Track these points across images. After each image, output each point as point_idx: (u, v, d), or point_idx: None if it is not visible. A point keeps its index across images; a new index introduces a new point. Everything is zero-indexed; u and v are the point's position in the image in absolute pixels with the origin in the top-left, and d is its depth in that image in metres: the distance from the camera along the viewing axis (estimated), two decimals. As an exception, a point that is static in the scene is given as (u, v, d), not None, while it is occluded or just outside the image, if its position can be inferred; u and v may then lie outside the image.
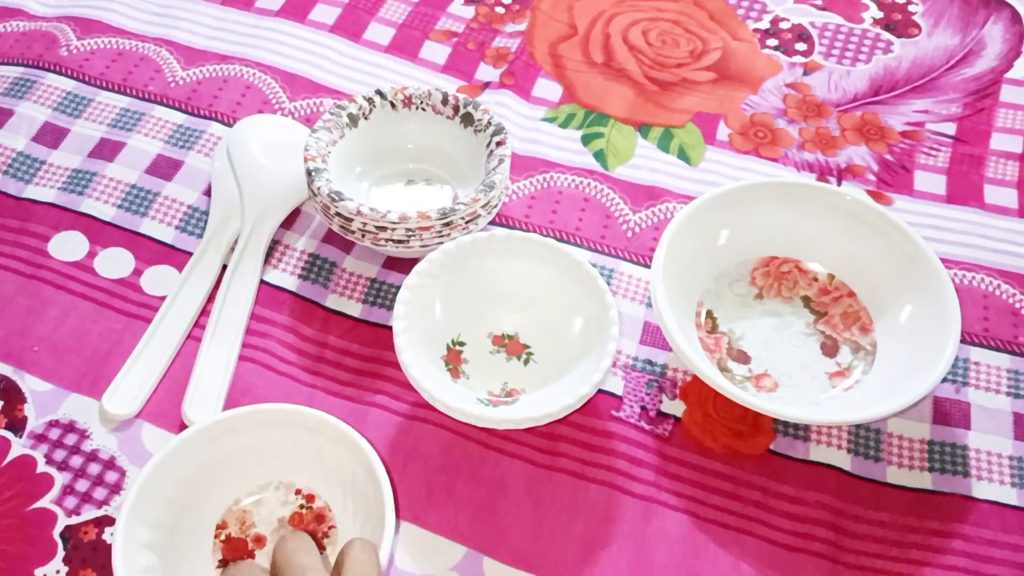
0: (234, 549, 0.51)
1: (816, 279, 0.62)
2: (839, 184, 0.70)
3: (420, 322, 0.57)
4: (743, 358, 0.59)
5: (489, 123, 0.64)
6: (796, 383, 0.58)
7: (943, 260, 0.59)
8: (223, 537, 0.51)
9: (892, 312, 0.59)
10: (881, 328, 0.59)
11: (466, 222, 0.60)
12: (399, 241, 0.60)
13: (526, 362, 0.59)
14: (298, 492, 0.53)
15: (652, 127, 0.73)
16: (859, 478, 0.56)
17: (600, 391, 0.58)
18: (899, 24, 0.81)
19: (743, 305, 0.62)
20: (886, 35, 0.80)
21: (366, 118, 0.66)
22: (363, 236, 0.60)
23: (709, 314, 0.61)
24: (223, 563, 0.51)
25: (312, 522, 0.52)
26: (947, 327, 0.55)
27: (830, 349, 0.59)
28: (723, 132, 0.73)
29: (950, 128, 0.74)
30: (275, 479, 0.53)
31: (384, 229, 0.59)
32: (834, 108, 0.75)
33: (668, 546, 0.53)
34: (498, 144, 0.63)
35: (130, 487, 0.49)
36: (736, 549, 0.53)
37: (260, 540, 0.51)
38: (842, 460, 0.56)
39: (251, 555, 0.51)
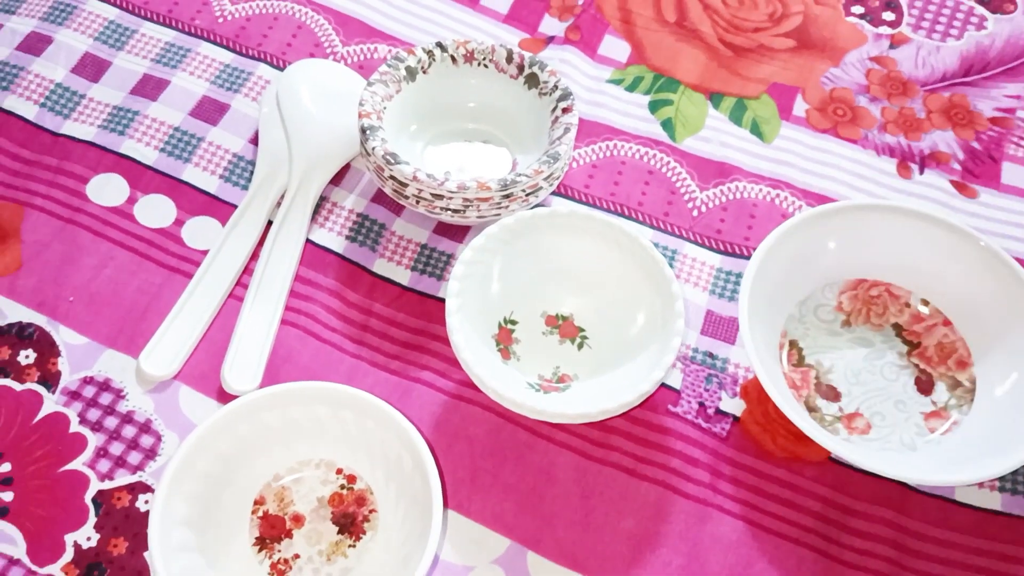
0: (271, 527, 0.49)
1: (908, 305, 0.56)
2: (921, 172, 0.65)
3: (473, 299, 0.54)
4: (832, 394, 0.54)
5: (556, 87, 0.60)
6: (890, 423, 0.53)
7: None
8: (260, 514, 0.49)
9: (996, 346, 0.53)
10: (982, 363, 0.53)
11: (527, 194, 0.57)
12: (455, 210, 0.56)
13: (580, 346, 0.56)
14: (339, 472, 0.50)
15: (725, 96, 0.69)
16: (926, 494, 0.53)
17: (657, 382, 0.56)
18: (994, -3, 0.76)
19: (830, 333, 0.56)
20: (980, 9, 0.75)
21: (425, 72, 0.62)
22: (417, 202, 0.56)
23: (794, 344, 0.55)
24: (260, 540, 0.49)
25: (352, 504, 0.50)
26: None
27: (925, 385, 0.54)
28: (800, 107, 0.69)
29: (1042, 116, 0.69)
30: (316, 456, 0.51)
31: (440, 197, 0.55)
32: (920, 87, 0.70)
33: (721, 552, 0.51)
34: (564, 111, 0.59)
35: (169, 460, 0.47)
36: (792, 561, 0.51)
37: (298, 519, 0.49)
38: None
39: (288, 534, 0.49)
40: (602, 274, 0.56)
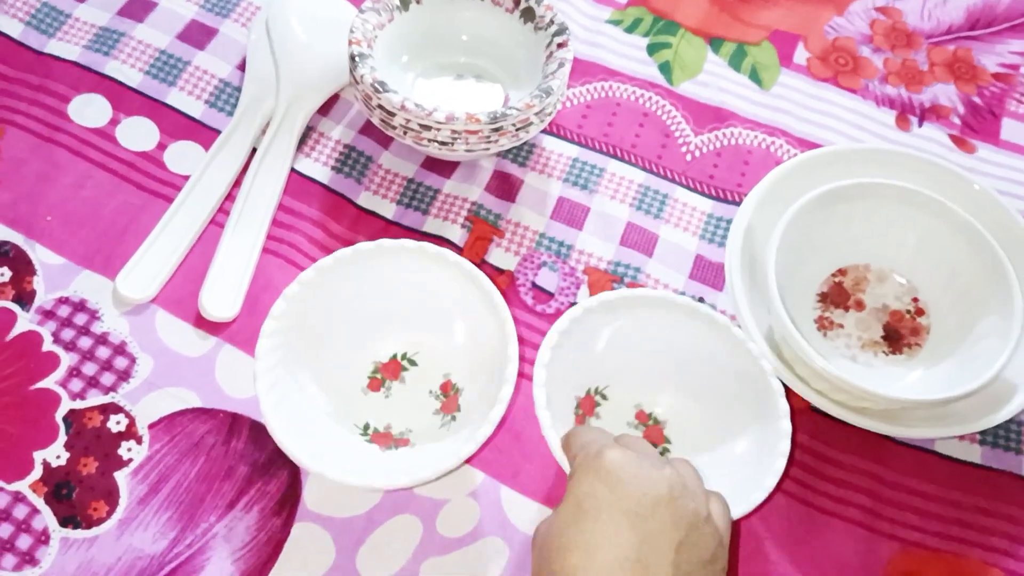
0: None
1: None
2: (920, 125, 0.64)
3: (566, 360, 0.48)
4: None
5: (551, 21, 0.59)
6: None
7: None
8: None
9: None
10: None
11: (517, 129, 0.55)
12: (443, 143, 0.55)
13: (661, 452, 0.50)
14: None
15: (725, 41, 0.67)
16: (905, 445, 0.52)
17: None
18: (1005, -48, 0.74)
19: None
20: (990, -37, 0.73)
21: (418, 2, 0.60)
22: (405, 133, 0.55)
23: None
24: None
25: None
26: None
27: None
28: (801, 55, 0.67)
29: (1047, 74, 0.68)
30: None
31: (428, 128, 0.54)
32: (925, 39, 0.69)
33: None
34: (559, 46, 0.58)
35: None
36: (768, 507, 0.50)
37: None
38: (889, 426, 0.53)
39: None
40: (708, 378, 0.50)
